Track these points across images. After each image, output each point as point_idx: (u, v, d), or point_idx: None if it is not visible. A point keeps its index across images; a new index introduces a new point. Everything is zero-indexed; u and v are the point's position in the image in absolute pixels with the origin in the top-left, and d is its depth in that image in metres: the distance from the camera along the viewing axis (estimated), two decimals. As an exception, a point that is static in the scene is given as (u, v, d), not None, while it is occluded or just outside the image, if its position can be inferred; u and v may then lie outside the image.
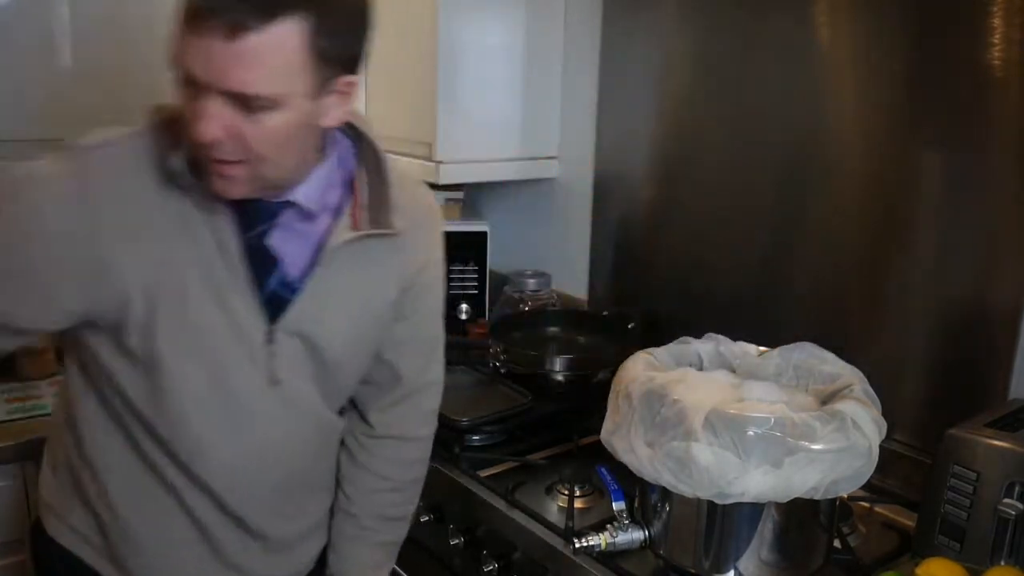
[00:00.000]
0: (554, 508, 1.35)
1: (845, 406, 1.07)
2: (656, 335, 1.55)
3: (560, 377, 1.65)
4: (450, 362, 1.76)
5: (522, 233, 2.22)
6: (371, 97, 2.11)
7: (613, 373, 1.24)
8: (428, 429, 1.31)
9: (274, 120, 0.93)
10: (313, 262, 1.08)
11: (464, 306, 2.01)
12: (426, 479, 1.52)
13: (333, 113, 1.00)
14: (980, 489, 1.12)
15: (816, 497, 1.04)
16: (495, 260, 2.10)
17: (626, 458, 1.12)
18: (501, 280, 2.08)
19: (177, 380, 1.04)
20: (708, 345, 1.30)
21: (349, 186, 1.10)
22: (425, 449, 1.32)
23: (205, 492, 1.10)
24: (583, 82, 1.96)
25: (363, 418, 1.26)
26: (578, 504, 1.34)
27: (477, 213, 2.16)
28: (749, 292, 1.66)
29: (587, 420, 1.58)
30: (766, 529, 1.10)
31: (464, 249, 1.99)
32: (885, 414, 1.11)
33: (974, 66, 1.29)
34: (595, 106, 1.94)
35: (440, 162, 1.89)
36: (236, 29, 0.86)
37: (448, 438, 1.51)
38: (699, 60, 1.71)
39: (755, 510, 1.09)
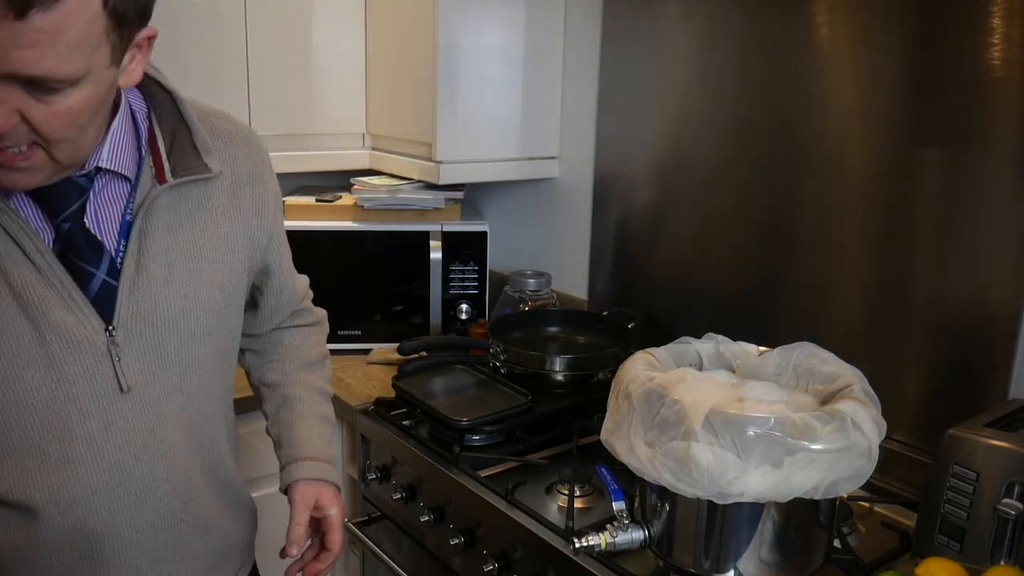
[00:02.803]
0: (554, 508, 1.35)
1: (845, 406, 1.06)
2: (656, 335, 1.56)
3: (560, 377, 1.65)
4: (450, 362, 1.79)
5: (522, 233, 2.22)
6: (371, 97, 2.12)
7: (613, 373, 1.24)
8: (316, 316, 1.33)
9: (72, 99, 0.81)
10: (126, 233, 0.95)
11: (464, 306, 2.01)
12: (426, 479, 1.53)
13: (133, 72, 0.89)
14: (980, 489, 1.12)
15: (816, 497, 1.04)
16: (495, 260, 2.10)
17: (626, 458, 1.12)
18: (501, 280, 2.08)
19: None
20: (708, 345, 1.30)
21: (145, 137, 0.98)
22: (321, 331, 1.34)
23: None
24: (583, 82, 1.97)
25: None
26: (578, 504, 1.34)
27: (477, 213, 2.16)
28: (749, 292, 1.66)
29: (587, 420, 1.59)
30: (766, 529, 1.10)
31: (464, 249, 2.00)
32: (885, 414, 1.11)
33: (974, 66, 1.29)
34: (595, 106, 1.95)
35: (440, 162, 1.90)
36: (21, 7, 0.73)
37: (448, 438, 1.51)
38: (699, 60, 1.71)
39: (755, 510, 1.09)
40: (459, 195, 2.05)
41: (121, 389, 0.95)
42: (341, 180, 2.20)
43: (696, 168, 1.74)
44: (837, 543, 1.21)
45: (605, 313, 1.91)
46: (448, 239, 1.99)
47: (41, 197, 0.91)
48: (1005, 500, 1.10)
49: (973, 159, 1.31)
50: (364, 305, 2.02)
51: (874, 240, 1.45)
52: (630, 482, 1.20)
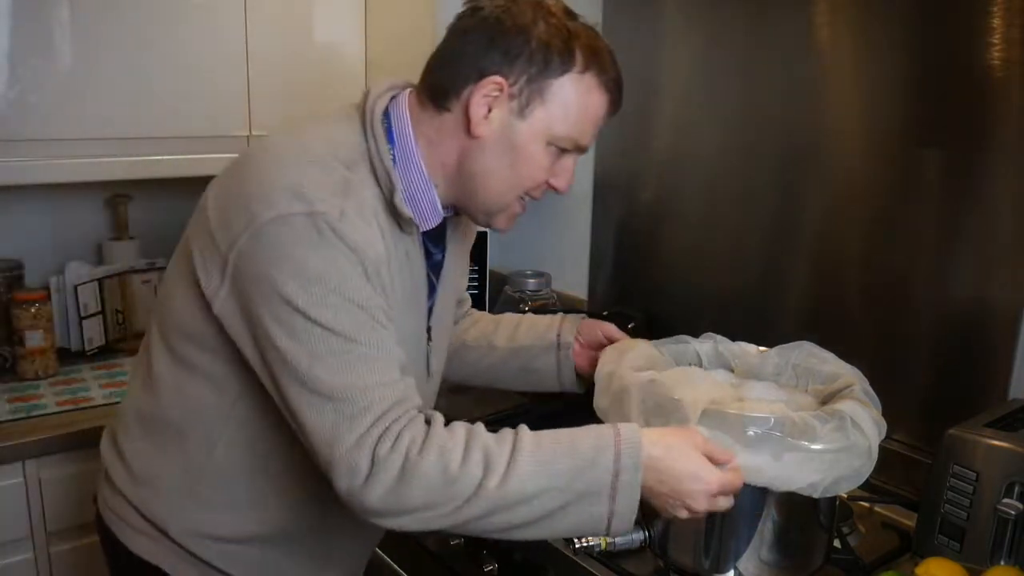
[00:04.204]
0: (554, 508, 1.35)
1: (845, 406, 1.06)
2: (656, 335, 1.55)
3: (560, 377, 1.64)
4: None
5: (522, 233, 2.22)
6: (371, 97, 2.11)
7: (613, 373, 1.24)
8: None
9: None
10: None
11: (464, 306, 2.01)
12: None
13: None
14: (980, 489, 1.12)
15: (816, 496, 1.04)
16: (495, 260, 2.09)
17: (626, 458, 1.12)
18: (501, 280, 2.08)
19: None
20: (707, 345, 1.30)
21: None
22: None
23: None
24: (583, 82, 1.96)
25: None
26: (578, 504, 1.34)
27: (477, 213, 2.16)
28: (749, 292, 1.66)
29: (587, 420, 1.58)
30: (766, 529, 1.10)
31: (464, 249, 1.99)
32: (885, 414, 1.11)
33: (974, 66, 1.29)
34: (595, 106, 1.94)
35: (440, 162, 1.89)
36: (620, 105, 1.10)
37: (448, 438, 1.51)
38: (699, 60, 1.71)
39: (755, 510, 1.09)
40: (459, 195, 2.05)
41: (428, 374, 1.21)
42: (341, 180, 2.20)
43: (696, 168, 1.74)
44: (837, 543, 1.21)
45: (605, 313, 1.90)
46: (448, 239, 1.99)
47: (433, 234, 1.15)
48: (1005, 500, 1.10)
49: (973, 159, 1.31)
50: (364, 305, 2.02)
51: (874, 240, 1.45)
52: (630, 482, 1.19)
